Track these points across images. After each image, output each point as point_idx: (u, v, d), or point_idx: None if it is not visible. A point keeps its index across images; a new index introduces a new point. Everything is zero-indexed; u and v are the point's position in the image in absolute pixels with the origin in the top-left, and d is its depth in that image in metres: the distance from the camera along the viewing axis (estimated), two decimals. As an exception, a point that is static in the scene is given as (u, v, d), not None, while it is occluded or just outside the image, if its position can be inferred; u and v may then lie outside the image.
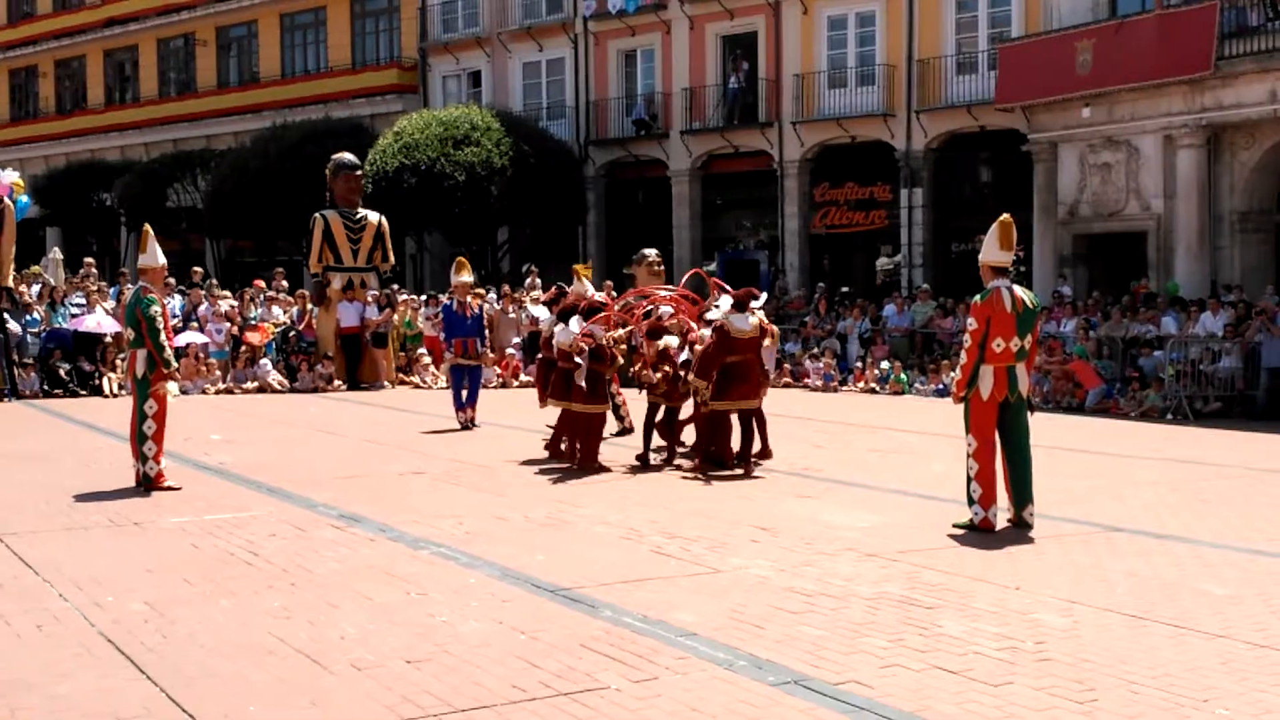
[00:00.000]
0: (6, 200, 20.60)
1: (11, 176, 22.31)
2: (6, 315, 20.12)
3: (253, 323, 22.86)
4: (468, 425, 15.71)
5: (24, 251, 22.99)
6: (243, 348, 22.18)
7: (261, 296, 24.30)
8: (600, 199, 34.00)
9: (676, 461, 12.35)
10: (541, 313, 14.15)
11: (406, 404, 19.07)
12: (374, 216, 23.89)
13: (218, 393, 20.91)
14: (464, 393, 15.88)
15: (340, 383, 22.05)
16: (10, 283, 20.70)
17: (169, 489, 10.61)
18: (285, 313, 23.92)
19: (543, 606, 6.90)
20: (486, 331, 17.02)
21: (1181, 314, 20.55)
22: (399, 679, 5.62)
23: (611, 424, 13.59)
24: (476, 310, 16.71)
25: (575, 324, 12.11)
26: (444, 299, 18.50)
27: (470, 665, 5.81)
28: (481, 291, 18.67)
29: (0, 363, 19.48)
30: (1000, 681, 5.65)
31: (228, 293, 24.67)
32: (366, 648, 6.08)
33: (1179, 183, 23.08)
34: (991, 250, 9.25)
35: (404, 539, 8.71)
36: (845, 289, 27.28)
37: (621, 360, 12.34)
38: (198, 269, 26.63)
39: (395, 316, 23.20)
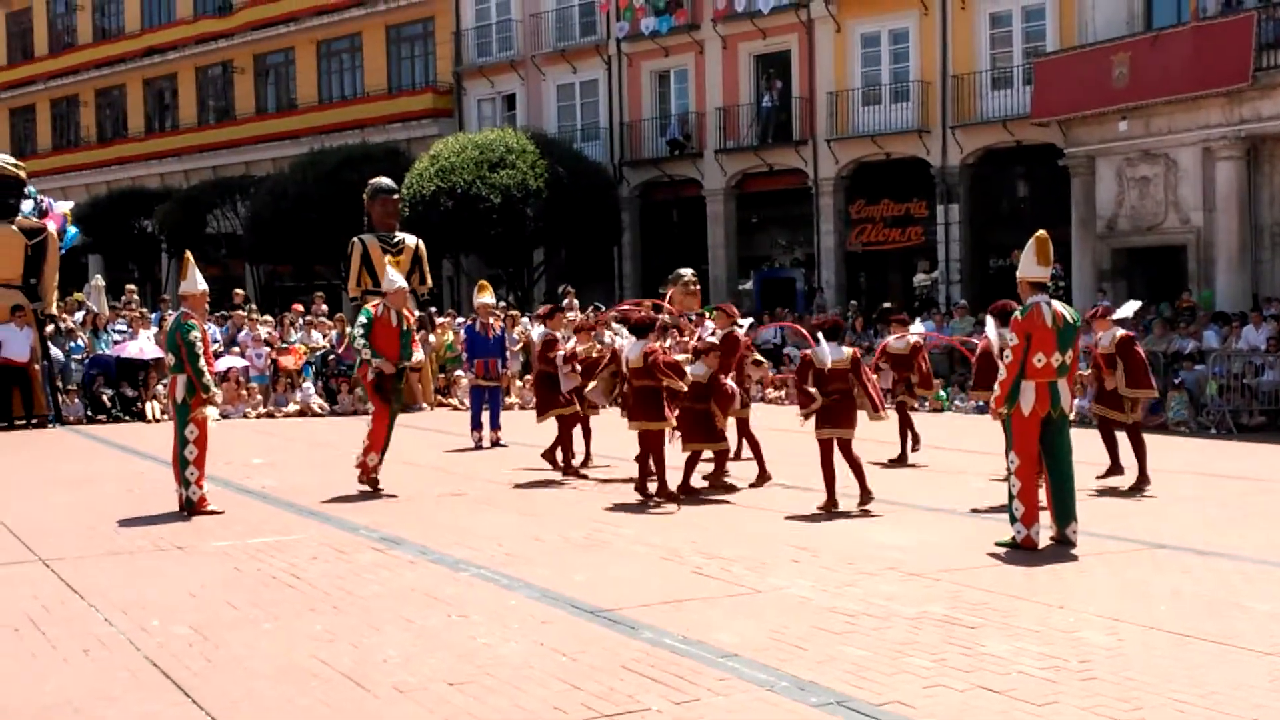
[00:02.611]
0: (50, 228, 20.86)
1: (65, 206, 22.65)
2: (50, 342, 20.36)
3: (284, 346, 23.01)
4: (480, 445, 15.92)
5: (66, 279, 23.28)
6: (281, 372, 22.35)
7: (301, 321, 24.47)
8: (635, 219, 34.08)
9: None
10: (537, 329, 14.17)
11: (445, 426, 19.13)
12: (411, 240, 24.02)
13: (259, 416, 21.07)
14: (484, 413, 16.05)
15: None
16: (54, 310, 20.95)
17: (211, 513, 10.68)
18: (324, 336, 24.08)
19: (583, 628, 6.91)
20: (508, 353, 17.17)
21: (1224, 327, 20.36)
22: (441, 701, 5.64)
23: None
24: (498, 331, 16.86)
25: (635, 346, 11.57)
26: (465, 321, 18.68)
27: (512, 687, 5.82)
28: (499, 313, 18.77)
29: (44, 389, 19.70)
30: (1045, 701, 5.61)
31: (268, 317, 24.86)
32: (409, 670, 6.10)
33: (1218, 195, 22.91)
34: (1029, 266, 9.22)
35: (444, 561, 8.74)
36: (887, 304, 27.19)
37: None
38: (239, 291, 26.88)
39: (433, 339, 23.30)
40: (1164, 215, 23.76)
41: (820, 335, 10.79)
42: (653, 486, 11.34)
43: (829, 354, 10.55)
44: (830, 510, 10.55)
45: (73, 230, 22.29)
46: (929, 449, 14.37)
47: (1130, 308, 13.25)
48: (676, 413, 11.30)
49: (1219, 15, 23.02)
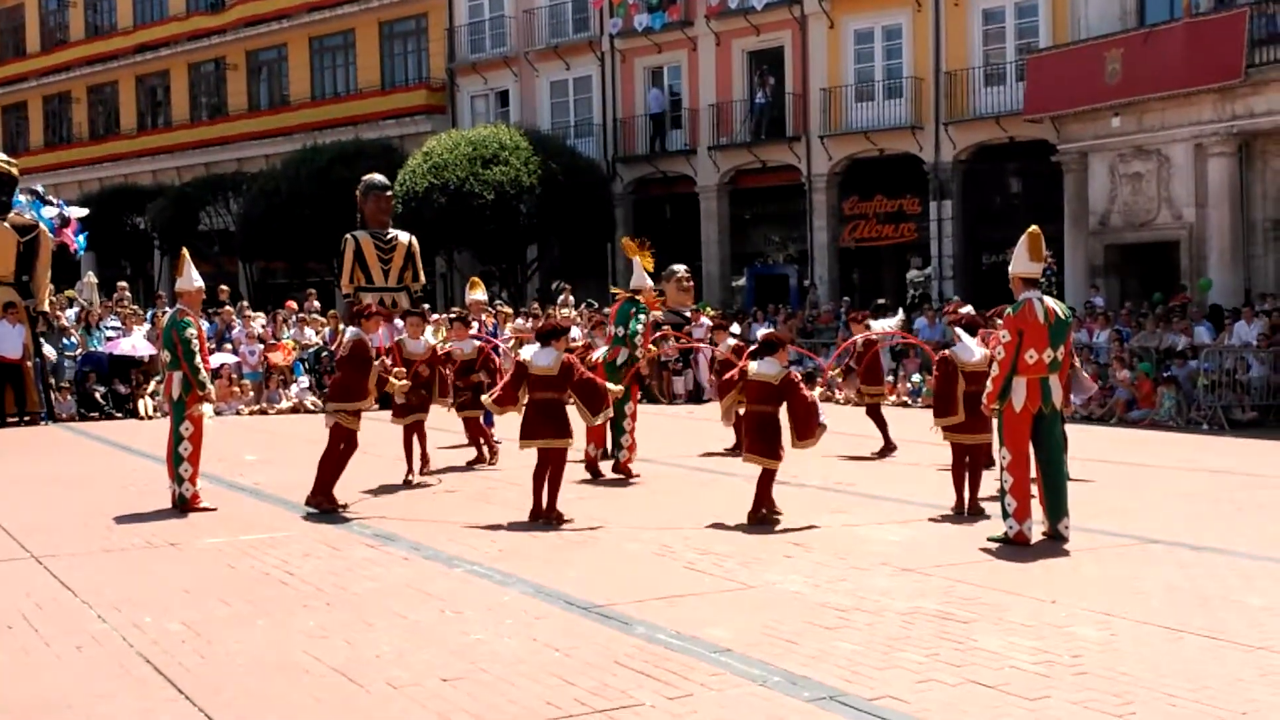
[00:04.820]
0: (42, 225, 20.86)
1: (79, 212, 22.81)
2: (42, 339, 20.33)
3: (273, 343, 22.96)
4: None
5: (59, 276, 23.24)
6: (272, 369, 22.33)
7: (294, 318, 24.45)
8: (628, 215, 34.05)
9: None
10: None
11: (438, 423, 19.09)
12: (404, 237, 23.99)
13: (251, 413, 21.04)
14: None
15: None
16: (46, 307, 20.92)
17: (205, 510, 10.69)
18: (318, 333, 24.05)
19: (576, 624, 6.92)
20: (501, 349, 17.06)
21: (1213, 325, 20.41)
22: (434, 697, 5.65)
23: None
24: (491, 328, 16.80)
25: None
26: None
27: (505, 683, 5.83)
28: (491, 310, 18.67)
29: (37, 386, 19.67)
30: (1037, 695, 5.62)
31: (260, 314, 24.83)
32: (402, 666, 6.11)
33: (1210, 191, 22.94)
34: (1021, 262, 9.23)
35: (438, 557, 8.74)
36: (881, 301, 27.13)
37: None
38: (224, 288, 26.83)
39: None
40: (1156, 211, 23.78)
41: (963, 332, 10.64)
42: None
43: (975, 352, 10.39)
44: (958, 511, 10.43)
45: (81, 237, 22.64)
46: (919, 445, 14.37)
47: (885, 324, 14.31)
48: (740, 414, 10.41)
49: (1211, 11, 23.03)
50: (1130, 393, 19.45)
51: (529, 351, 10.47)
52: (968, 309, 14.34)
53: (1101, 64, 23.73)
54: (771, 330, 10.69)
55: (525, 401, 10.33)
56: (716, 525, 9.91)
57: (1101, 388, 20.14)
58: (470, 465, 13.83)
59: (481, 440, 14.01)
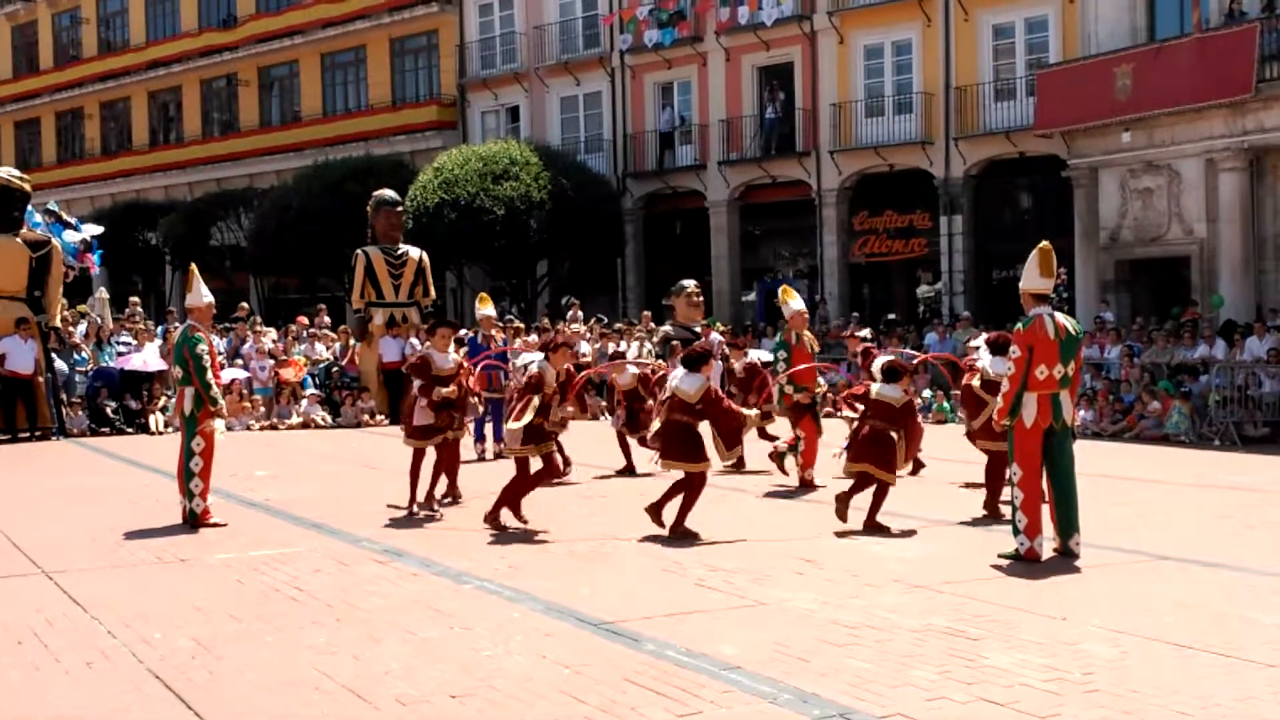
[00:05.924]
0: (55, 240, 20.95)
1: (95, 229, 23.01)
2: (54, 354, 20.39)
3: (284, 359, 23.01)
4: (483, 457, 15.86)
5: (71, 291, 23.35)
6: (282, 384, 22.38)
7: (304, 333, 24.51)
8: (638, 231, 34.10)
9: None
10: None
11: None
12: (415, 252, 24.06)
13: (262, 428, 21.08)
14: (487, 425, 15.96)
15: (383, 417, 22.17)
16: (58, 322, 21.00)
17: (215, 525, 10.69)
18: (328, 349, 24.11)
19: (586, 640, 6.91)
20: (512, 364, 16.97)
21: (1224, 341, 20.35)
22: (443, 714, 5.64)
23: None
24: (500, 343, 16.79)
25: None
26: (468, 333, 18.50)
27: (514, 700, 5.82)
28: (500, 325, 18.62)
29: (48, 401, 19.73)
30: (1048, 713, 5.60)
31: (271, 329, 24.90)
32: (411, 683, 6.10)
33: (1221, 206, 22.90)
34: (1032, 277, 9.23)
35: (447, 573, 8.73)
36: (891, 316, 27.13)
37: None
38: (244, 305, 26.94)
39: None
40: (1167, 226, 23.75)
41: (985, 351, 11.46)
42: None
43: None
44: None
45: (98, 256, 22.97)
46: (938, 461, 14.32)
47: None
48: (865, 430, 10.54)
49: (1222, 27, 23.01)
50: (1158, 419, 19.31)
51: (675, 373, 10.69)
52: (866, 331, 15.03)
53: (1112, 79, 23.71)
54: (895, 359, 10.95)
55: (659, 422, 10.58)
56: (726, 542, 9.89)
57: (1115, 405, 20.12)
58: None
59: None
